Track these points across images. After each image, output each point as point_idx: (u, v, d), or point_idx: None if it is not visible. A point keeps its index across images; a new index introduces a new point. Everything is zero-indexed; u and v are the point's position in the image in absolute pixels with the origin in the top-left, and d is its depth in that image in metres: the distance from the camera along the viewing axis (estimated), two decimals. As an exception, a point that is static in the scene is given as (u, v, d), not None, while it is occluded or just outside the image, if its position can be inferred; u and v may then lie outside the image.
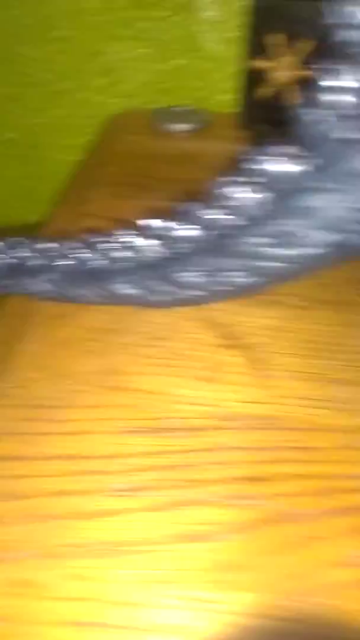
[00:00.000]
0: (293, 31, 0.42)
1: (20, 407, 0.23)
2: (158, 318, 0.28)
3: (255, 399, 0.24)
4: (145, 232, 0.22)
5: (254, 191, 0.21)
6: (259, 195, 0.21)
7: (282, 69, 0.44)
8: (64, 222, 0.35)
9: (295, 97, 0.43)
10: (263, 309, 0.28)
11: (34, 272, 0.24)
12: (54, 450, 0.22)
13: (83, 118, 0.57)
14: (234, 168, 0.21)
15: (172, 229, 0.22)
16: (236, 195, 0.21)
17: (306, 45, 0.42)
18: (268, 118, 0.44)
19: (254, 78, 0.45)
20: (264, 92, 0.45)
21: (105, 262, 0.23)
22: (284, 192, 0.20)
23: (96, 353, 0.26)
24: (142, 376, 0.25)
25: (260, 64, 0.44)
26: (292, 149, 0.20)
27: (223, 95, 0.53)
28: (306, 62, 0.42)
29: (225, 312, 0.28)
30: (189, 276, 0.23)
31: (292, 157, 0.20)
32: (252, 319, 0.28)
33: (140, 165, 0.44)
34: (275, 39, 0.43)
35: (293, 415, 0.23)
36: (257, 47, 0.44)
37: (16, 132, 0.59)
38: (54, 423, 0.23)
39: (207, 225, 0.22)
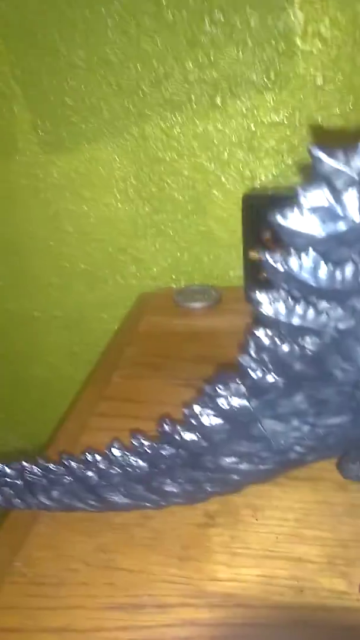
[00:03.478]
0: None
1: (26, 584, 0.29)
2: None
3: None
4: (135, 450, 0.28)
5: (216, 416, 0.25)
6: (220, 422, 0.25)
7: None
8: (84, 415, 0.42)
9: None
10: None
11: (36, 490, 0.30)
12: (48, 623, 0.27)
13: (118, 297, 0.67)
14: (200, 393, 0.26)
15: (156, 448, 0.27)
16: (202, 420, 0.25)
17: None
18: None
19: (255, 265, 0.54)
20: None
21: (99, 478, 0.28)
22: (239, 422, 0.25)
23: (91, 533, 0.31)
24: (125, 555, 0.30)
25: (254, 255, 0.53)
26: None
27: (234, 271, 0.62)
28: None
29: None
30: (170, 486, 0.29)
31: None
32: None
33: (158, 344, 0.52)
34: (265, 234, 0.52)
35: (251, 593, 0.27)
36: (252, 239, 0.53)
37: (61, 310, 0.70)
38: (50, 599, 0.28)
39: (180, 446, 0.27)
